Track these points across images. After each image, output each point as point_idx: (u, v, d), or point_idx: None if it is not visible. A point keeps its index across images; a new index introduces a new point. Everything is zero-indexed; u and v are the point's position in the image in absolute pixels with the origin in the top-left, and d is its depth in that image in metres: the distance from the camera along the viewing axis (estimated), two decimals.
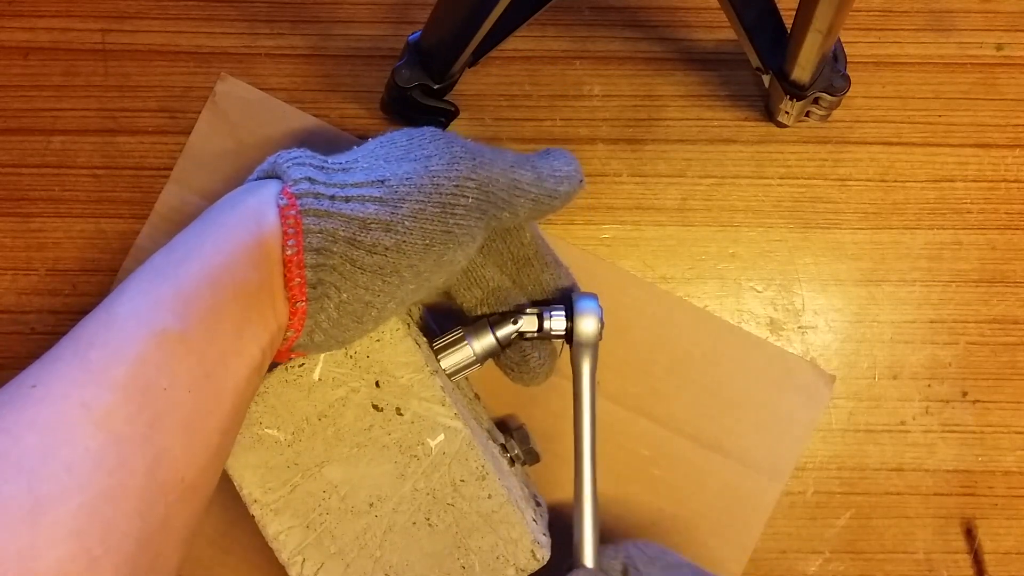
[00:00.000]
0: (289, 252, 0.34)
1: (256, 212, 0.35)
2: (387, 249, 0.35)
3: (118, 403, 0.30)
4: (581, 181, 0.41)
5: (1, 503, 0.27)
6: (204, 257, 0.33)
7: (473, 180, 0.37)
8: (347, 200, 0.35)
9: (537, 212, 0.40)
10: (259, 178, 0.38)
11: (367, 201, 0.35)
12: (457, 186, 0.36)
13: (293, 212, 0.34)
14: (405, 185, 0.36)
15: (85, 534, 0.27)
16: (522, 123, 0.49)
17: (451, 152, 0.37)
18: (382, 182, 0.36)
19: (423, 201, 0.36)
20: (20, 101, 0.48)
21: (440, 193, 0.36)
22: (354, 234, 0.34)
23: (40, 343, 0.47)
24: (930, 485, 0.48)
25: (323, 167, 0.36)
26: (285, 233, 0.34)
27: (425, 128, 0.39)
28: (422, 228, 0.36)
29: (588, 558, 0.37)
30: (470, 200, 0.37)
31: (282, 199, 0.35)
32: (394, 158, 0.37)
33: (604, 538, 0.38)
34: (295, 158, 0.37)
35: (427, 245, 0.36)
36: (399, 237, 0.35)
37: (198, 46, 0.49)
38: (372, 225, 0.35)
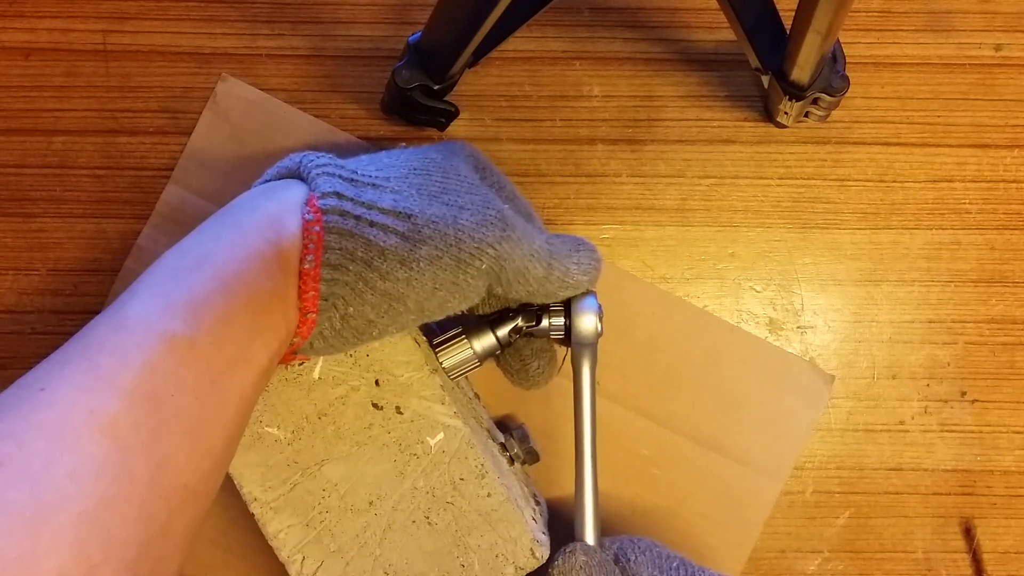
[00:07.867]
0: (307, 266, 0.34)
1: (276, 219, 0.34)
2: (399, 280, 0.35)
3: (124, 410, 0.29)
4: (588, 291, 0.40)
5: (4, 509, 0.27)
6: (218, 262, 0.33)
7: (494, 250, 0.37)
8: (371, 224, 0.35)
9: (530, 300, 0.40)
10: (279, 176, 0.38)
11: (390, 232, 0.35)
12: (477, 248, 0.36)
13: (317, 228, 0.34)
14: (429, 228, 0.36)
15: (85, 541, 0.27)
16: (522, 123, 0.49)
17: (484, 213, 0.37)
18: (409, 217, 0.36)
19: (441, 250, 0.36)
20: (21, 102, 0.48)
21: (459, 249, 0.36)
22: (372, 258, 0.35)
23: (41, 343, 0.47)
24: (929, 485, 0.48)
25: (352, 180, 0.36)
26: (305, 247, 0.34)
27: (463, 168, 0.39)
28: (434, 274, 0.36)
29: (589, 536, 0.38)
30: (484, 266, 0.37)
31: (309, 214, 0.34)
32: (427, 193, 0.37)
33: (602, 535, 0.39)
34: (324, 166, 0.36)
35: (435, 289, 0.36)
36: (412, 274, 0.35)
37: (199, 47, 0.49)
38: (390, 255, 0.35)
